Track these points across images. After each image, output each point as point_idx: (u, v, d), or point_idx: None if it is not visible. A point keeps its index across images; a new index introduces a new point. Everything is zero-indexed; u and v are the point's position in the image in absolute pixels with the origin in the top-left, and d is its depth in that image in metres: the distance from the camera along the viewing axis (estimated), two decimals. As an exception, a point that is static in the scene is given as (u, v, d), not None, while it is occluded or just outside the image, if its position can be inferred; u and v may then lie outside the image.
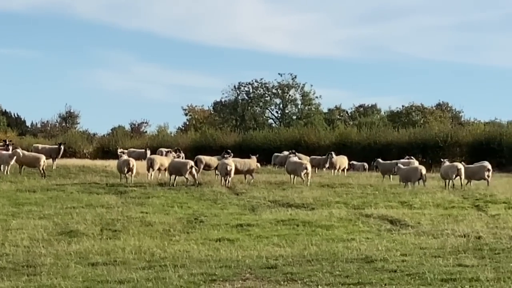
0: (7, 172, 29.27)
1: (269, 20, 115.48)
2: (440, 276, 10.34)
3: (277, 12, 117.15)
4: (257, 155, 30.09)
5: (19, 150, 30.18)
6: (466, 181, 26.48)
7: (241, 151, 40.19)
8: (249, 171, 27.97)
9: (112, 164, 32.93)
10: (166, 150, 35.89)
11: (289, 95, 78.67)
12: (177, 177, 26.32)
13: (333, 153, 36.32)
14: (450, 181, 26.04)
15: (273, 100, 79.43)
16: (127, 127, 76.58)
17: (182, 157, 32.57)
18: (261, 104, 79.13)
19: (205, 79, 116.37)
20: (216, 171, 28.98)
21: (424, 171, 26.74)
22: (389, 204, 20.98)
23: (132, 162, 27.70)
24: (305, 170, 27.05)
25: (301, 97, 78.58)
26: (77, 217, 17.82)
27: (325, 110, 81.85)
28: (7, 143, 33.12)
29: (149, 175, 28.45)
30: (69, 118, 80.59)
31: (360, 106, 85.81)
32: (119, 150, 33.42)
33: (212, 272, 10.95)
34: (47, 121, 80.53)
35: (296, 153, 33.92)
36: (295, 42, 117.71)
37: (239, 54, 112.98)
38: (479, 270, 10.68)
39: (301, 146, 47.91)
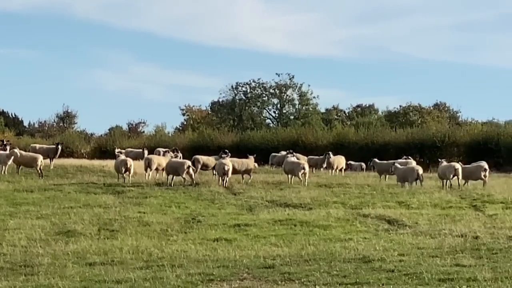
0: (4, 172, 29.22)
1: (268, 20, 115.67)
2: (438, 276, 10.35)
3: (276, 12, 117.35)
4: (255, 155, 30.12)
5: (16, 150, 30.14)
6: (463, 181, 26.51)
7: (239, 151, 40.14)
8: (247, 171, 27.96)
9: (110, 164, 32.89)
10: (164, 150, 35.96)
11: (287, 95, 78.76)
12: (174, 177, 26.32)
13: (330, 153, 36.38)
14: (448, 181, 26.04)
15: (271, 100, 79.52)
16: (125, 127, 76.62)
17: (180, 157, 32.60)
18: (258, 104, 79.16)
19: (203, 79, 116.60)
20: (214, 171, 29.01)
21: (421, 171, 26.74)
22: (386, 204, 20.98)
23: (130, 162, 27.70)
24: (302, 170, 27.05)
25: (298, 97, 78.64)
26: (75, 217, 17.81)
27: (323, 110, 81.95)
28: (5, 143, 33.11)
29: (147, 175, 28.44)
30: (66, 118, 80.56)
31: (358, 106, 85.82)
32: (116, 150, 33.36)
33: (209, 272, 10.96)
34: (45, 121, 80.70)
35: (294, 153, 33.91)
36: (294, 42, 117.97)
37: (238, 54, 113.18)
38: (476, 270, 10.69)
39: (298, 146, 47.87)
